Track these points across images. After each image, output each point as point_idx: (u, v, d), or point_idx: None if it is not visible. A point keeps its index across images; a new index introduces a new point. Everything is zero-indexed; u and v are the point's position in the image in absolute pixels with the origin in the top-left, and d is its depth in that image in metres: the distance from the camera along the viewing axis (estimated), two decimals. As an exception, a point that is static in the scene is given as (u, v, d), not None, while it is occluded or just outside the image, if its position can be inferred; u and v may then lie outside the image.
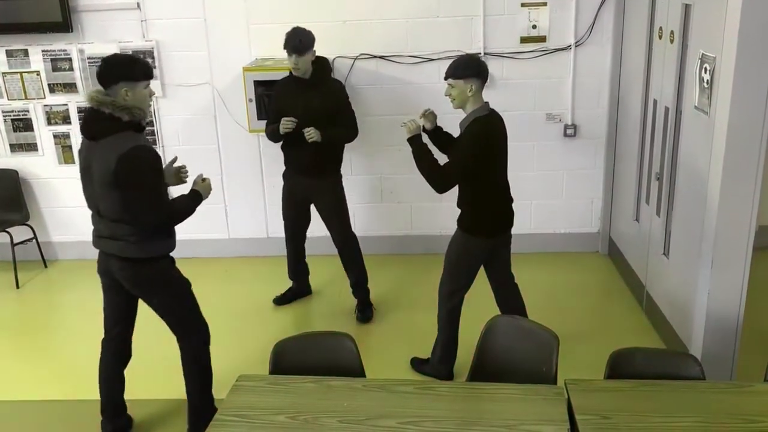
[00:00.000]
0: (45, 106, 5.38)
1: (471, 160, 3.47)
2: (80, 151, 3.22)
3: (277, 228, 5.58)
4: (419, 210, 5.50)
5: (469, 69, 3.48)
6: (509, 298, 3.95)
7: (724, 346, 3.55)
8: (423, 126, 3.73)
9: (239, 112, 5.17)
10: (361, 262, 4.63)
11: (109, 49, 5.19)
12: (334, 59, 5.13)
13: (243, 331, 4.53)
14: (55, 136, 5.46)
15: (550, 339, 2.85)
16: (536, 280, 4.98)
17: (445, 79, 3.52)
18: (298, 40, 4.15)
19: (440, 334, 3.92)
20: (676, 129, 3.96)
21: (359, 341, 2.97)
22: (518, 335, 2.97)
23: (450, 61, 3.58)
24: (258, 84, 4.89)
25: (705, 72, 3.47)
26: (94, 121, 3.10)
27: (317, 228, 4.75)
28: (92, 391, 3.83)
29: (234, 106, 5.23)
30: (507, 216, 3.74)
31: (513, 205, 3.73)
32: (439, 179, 3.53)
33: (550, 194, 5.36)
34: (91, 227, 3.32)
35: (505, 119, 3.57)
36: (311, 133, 4.19)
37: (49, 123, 5.43)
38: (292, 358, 2.89)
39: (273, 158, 5.40)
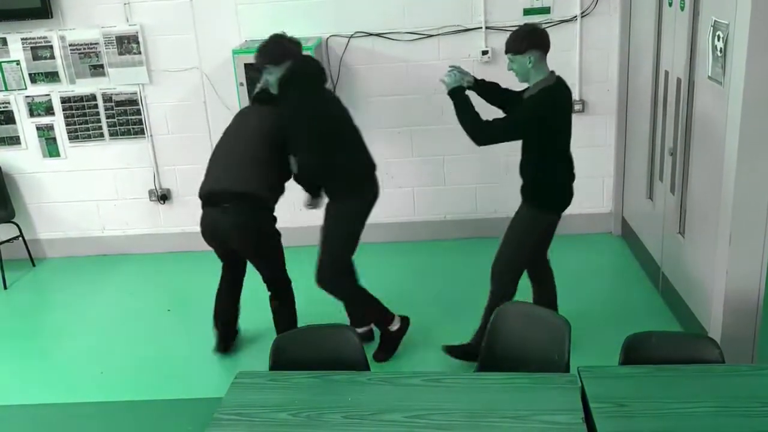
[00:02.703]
0: (27, 97, 5.37)
1: (527, 124, 3.50)
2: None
3: (273, 218, 5.58)
4: (422, 195, 5.49)
5: (525, 41, 3.49)
6: (546, 283, 4.01)
7: (743, 327, 3.55)
8: (467, 84, 3.74)
9: (230, 96, 5.15)
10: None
11: (92, 36, 5.19)
12: (327, 38, 5.12)
13: (241, 325, 4.54)
14: (38, 129, 5.45)
15: (562, 325, 2.85)
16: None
17: (505, 53, 3.56)
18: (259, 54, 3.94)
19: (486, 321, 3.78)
20: (689, 101, 3.95)
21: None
22: (528, 323, 2.98)
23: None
24: (249, 67, 4.88)
25: (718, 40, 3.45)
26: None
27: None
28: (83, 394, 3.87)
29: (224, 91, 5.22)
30: (568, 191, 3.75)
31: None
32: (486, 130, 3.52)
33: (559, 174, 5.35)
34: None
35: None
36: None
37: (32, 115, 5.42)
38: (293, 353, 2.90)
39: (267, 145, 5.40)
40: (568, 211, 3.74)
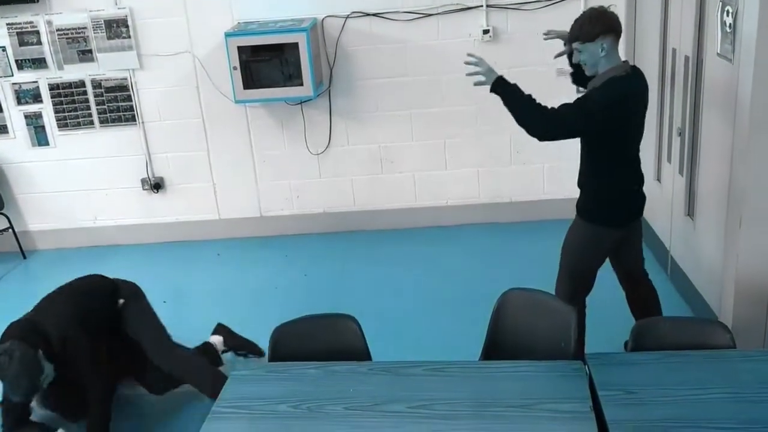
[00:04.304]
0: (14, 84, 5.36)
1: (597, 116, 3.09)
2: None
3: (271, 206, 5.59)
4: (423, 180, 5.48)
5: (596, 26, 3.13)
6: (644, 298, 3.65)
7: (755, 312, 3.56)
8: (567, 53, 3.37)
9: (223, 81, 5.14)
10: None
11: (79, 20, 5.17)
12: (323, 19, 5.09)
13: (239, 317, 4.54)
14: (26, 117, 5.44)
15: (568, 312, 2.86)
16: (550, 249, 4.98)
17: (570, 42, 3.23)
18: None
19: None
20: (698, 79, 3.93)
21: (363, 322, 2.99)
22: (534, 309, 2.98)
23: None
24: (242, 50, 4.86)
25: (727, 15, 3.43)
26: None
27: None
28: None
29: (217, 75, 5.20)
30: (638, 198, 3.42)
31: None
32: (552, 119, 3.12)
33: (564, 156, 5.32)
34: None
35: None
36: None
37: (19, 102, 5.41)
38: (292, 344, 2.91)
39: (263, 129, 5.40)
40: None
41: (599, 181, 3.35)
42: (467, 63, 3.24)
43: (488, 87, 3.20)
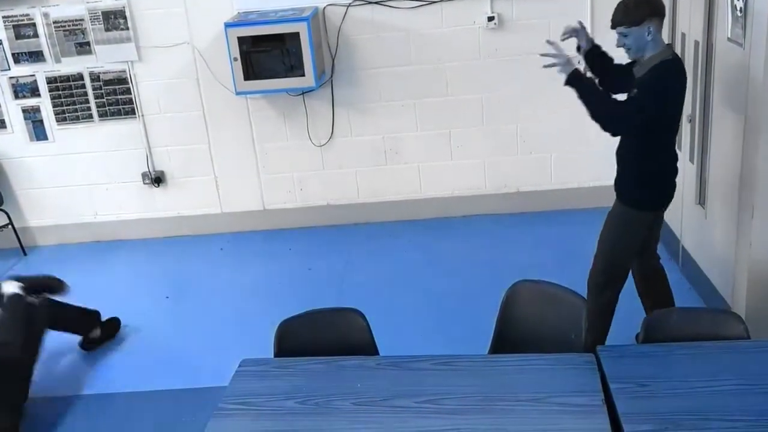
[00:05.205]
0: (11, 78, 5.35)
1: (652, 106, 3.13)
2: None
3: (273, 199, 5.59)
4: (428, 171, 5.47)
5: (642, 9, 3.12)
6: (656, 284, 3.70)
7: (769, 301, 3.55)
8: (578, 46, 3.41)
9: (224, 73, 5.13)
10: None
11: (76, 12, 5.16)
12: (324, 8, 5.08)
13: (243, 312, 4.56)
14: (24, 111, 5.44)
15: (578, 303, 2.86)
16: (560, 238, 4.98)
17: (613, 27, 3.19)
18: None
19: (587, 333, 3.70)
20: (708, 65, 3.91)
21: (370, 317, 2.99)
22: (543, 301, 2.98)
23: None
24: (242, 41, 4.85)
25: (738, -1, 3.41)
26: None
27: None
28: (79, 387, 3.89)
29: (217, 67, 5.19)
30: (674, 183, 3.45)
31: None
32: (623, 116, 3.15)
33: (573, 145, 5.32)
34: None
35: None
36: None
37: (17, 97, 5.41)
38: (298, 339, 2.91)
39: (264, 121, 5.39)
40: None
41: (645, 164, 3.34)
42: (543, 55, 3.22)
43: (563, 79, 3.19)
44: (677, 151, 3.46)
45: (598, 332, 3.53)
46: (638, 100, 3.17)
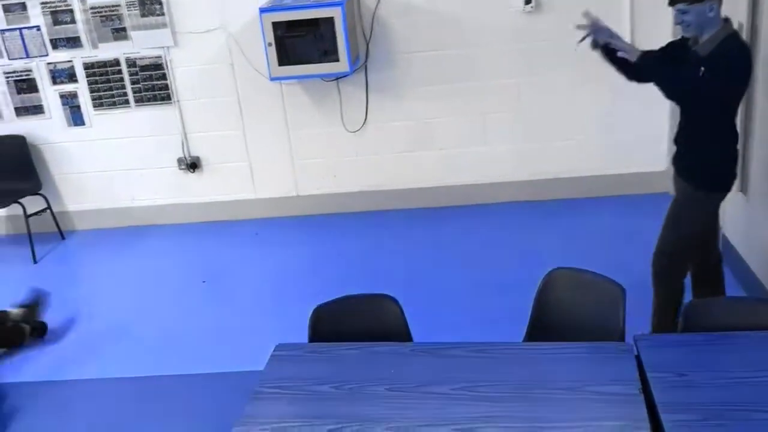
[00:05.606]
0: (49, 63, 5.45)
1: (725, 87, 3.09)
2: None
3: (307, 184, 5.62)
4: (462, 156, 5.45)
5: None
6: (711, 276, 3.64)
7: (812, 290, 3.49)
8: (594, 41, 3.36)
9: (258, 58, 5.16)
10: None
11: (113, -3, 5.22)
12: (359, -8, 5.07)
13: (278, 296, 4.61)
14: (61, 96, 5.53)
15: (616, 291, 2.83)
16: (597, 226, 4.94)
17: (672, 5, 3.13)
18: None
19: (653, 317, 3.59)
20: (753, 47, 3.83)
21: (404, 303, 3.00)
22: (579, 288, 2.96)
23: None
24: (277, 26, 4.87)
25: (785, -20, 3.33)
26: None
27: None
28: (115, 370, 3.96)
29: (252, 52, 5.22)
30: (737, 163, 3.39)
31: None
32: (690, 88, 3.12)
33: (611, 130, 5.26)
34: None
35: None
36: None
37: (55, 82, 5.50)
38: (332, 324, 2.94)
39: (298, 107, 5.42)
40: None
41: (713, 145, 3.28)
42: (579, 27, 3.25)
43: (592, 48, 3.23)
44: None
45: (668, 318, 3.50)
46: (706, 80, 3.08)
